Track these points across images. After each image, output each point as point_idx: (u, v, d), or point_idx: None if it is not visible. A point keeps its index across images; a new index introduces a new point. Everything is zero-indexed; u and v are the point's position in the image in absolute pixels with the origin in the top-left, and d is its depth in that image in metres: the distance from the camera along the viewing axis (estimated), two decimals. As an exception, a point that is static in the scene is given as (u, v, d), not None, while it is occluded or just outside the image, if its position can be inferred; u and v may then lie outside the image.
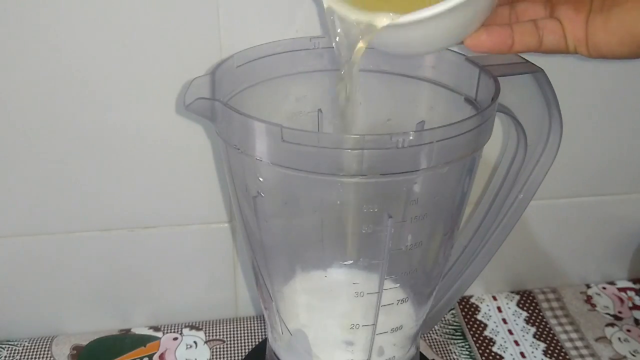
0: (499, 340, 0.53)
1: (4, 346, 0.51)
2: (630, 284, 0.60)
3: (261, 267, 0.39)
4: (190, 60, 0.43)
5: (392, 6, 0.32)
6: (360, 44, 0.34)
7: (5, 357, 0.50)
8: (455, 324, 0.55)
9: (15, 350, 0.50)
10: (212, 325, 0.54)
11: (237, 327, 0.54)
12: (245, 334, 0.53)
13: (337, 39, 0.35)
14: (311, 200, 0.36)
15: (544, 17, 0.34)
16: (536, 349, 0.52)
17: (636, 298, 0.58)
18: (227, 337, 0.53)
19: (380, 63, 0.41)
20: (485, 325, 0.55)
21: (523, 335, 0.54)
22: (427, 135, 0.30)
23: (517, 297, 0.58)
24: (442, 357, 0.51)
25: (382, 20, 0.32)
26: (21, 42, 0.41)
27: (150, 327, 0.53)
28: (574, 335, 0.54)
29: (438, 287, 0.42)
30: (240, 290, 0.54)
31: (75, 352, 0.51)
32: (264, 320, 0.54)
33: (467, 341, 0.53)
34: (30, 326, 0.52)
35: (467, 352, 0.52)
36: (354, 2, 0.34)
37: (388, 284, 0.36)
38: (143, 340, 0.52)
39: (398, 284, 0.36)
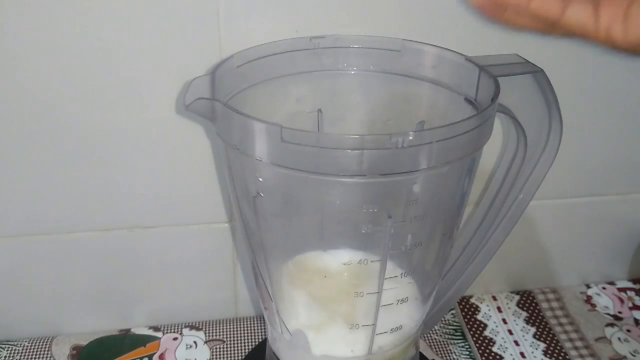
0: (499, 340, 0.53)
1: (4, 346, 0.51)
2: (630, 284, 0.60)
3: (261, 267, 0.39)
4: (190, 60, 0.43)
5: None
6: None
7: (5, 357, 0.50)
8: (455, 324, 0.55)
9: (15, 350, 0.50)
10: (212, 325, 0.54)
11: (237, 327, 0.53)
12: (245, 334, 0.53)
13: None
14: (311, 200, 0.36)
15: None
16: (536, 349, 0.52)
17: (636, 298, 0.58)
18: (227, 337, 0.53)
19: (380, 63, 0.41)
20: (485, 325, 0.55)
21: (523, 335, 0.54)
22: (427, 135, 0.30)
23: (517, 297, 0.58)
24: (442, 357, 0.51)
25: None
26: (20, 42, 0.41)
27: (150, 327, 0.53)
28: (574, 335, 0.54)
29: (438, 287, 0.42)
30: (240, 290, 0.54)
31: (75, 352, 0.51)
32: (264, 320, 0.54)
33: (467, 341, 0.53)
34: (30, 326, 0.52)
35: (467, 352, 0.52)
36: None
37: (388, 284, 0.36)
38: (143, 340, 0.52)
39: (398, 284, 0.36)
